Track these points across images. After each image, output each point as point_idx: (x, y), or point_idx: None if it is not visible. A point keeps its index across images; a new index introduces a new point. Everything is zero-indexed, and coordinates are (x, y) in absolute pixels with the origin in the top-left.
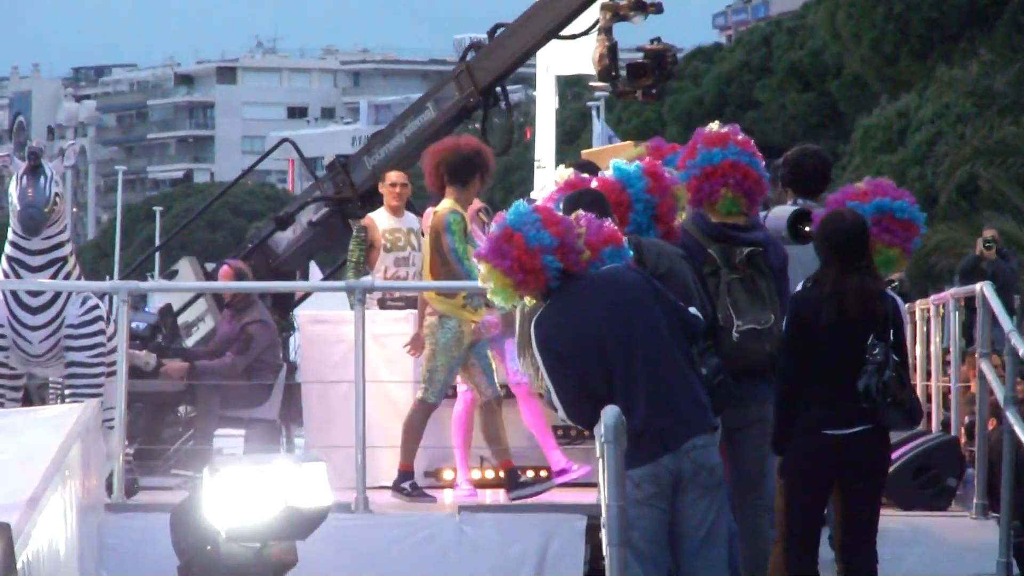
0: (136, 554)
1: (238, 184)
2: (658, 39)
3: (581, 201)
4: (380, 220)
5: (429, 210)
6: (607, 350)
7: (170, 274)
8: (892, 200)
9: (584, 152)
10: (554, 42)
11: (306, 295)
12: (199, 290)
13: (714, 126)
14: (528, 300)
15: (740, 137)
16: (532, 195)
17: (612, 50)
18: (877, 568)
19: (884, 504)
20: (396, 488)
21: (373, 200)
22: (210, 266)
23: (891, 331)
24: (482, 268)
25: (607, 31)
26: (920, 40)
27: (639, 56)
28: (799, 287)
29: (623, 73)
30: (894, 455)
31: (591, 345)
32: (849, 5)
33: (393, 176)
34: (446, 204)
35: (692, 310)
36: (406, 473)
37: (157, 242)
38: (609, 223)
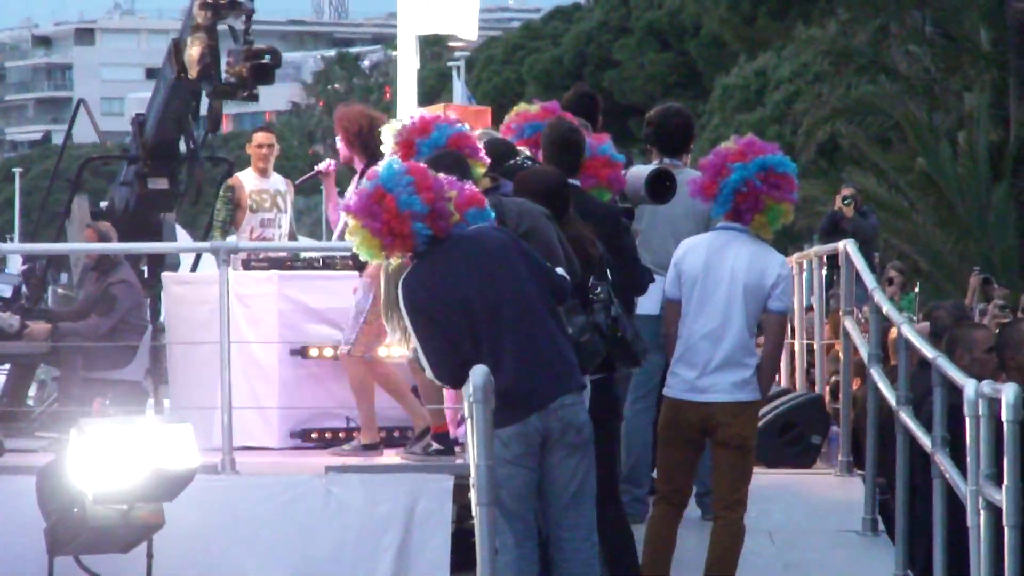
0: (2, 517)
1: (94, 146)
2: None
3: (441, 163)
4: (247, 181)
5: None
6: (474, 309)
7: (66, 211)
8: (771, 155)
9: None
10: (414, 1)
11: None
12: (61, 252)
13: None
14: (394, 260)
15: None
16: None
17: (213, 50)
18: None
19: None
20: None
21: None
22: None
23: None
24: (350, 223)
25: (208, 30)
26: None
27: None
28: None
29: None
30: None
31: (457, 304)
32: None
33: (259, 137)
34: None
35: (559, 270)
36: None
37: (17, 204)
38: (471, 185)
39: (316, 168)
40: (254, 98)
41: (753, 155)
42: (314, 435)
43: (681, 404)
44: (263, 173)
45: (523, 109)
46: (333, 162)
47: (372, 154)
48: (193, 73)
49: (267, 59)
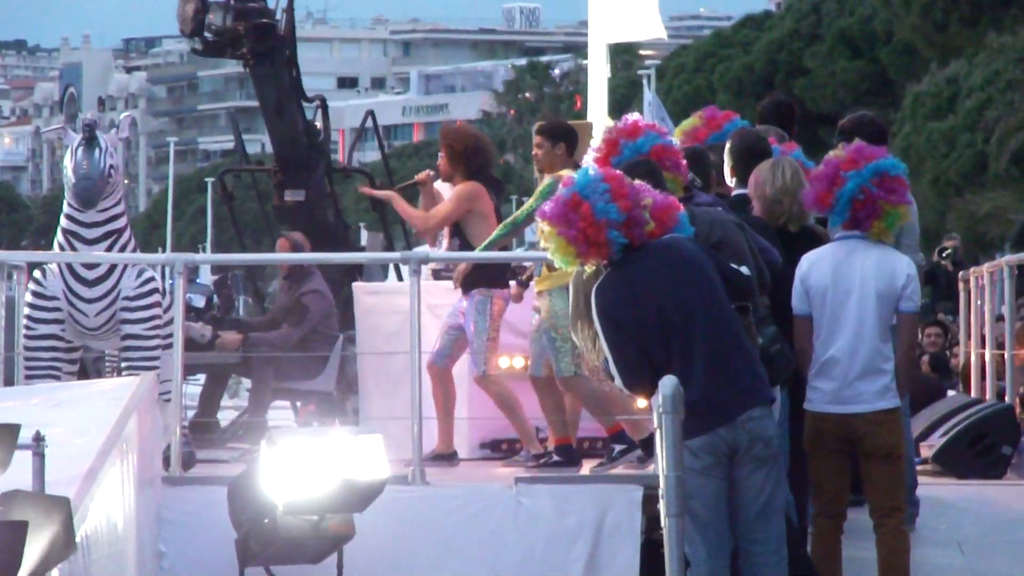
0: (194, 527)
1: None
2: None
3: (637, 170)
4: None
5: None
6: (667, 320)
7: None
8: (883, 160)
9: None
10: (606, 9)
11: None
12: (254, 262)
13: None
14: (588, 267)
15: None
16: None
17: (203, 6)
18: None
19: (939, 472)
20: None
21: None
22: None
23: None
24: (545, 229)
25: None
26: (970, 6)
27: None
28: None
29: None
30: (948, 424)
31: (651, 314)
32: None
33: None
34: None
35: (743, 269)
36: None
37: (209, 214)
38: (667, 194)
39: (415, 177)
40: (246, 59)
41: (865, 161)
42: (504, 446)
43: (824, 417)
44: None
45: (689, 126)
46: (432, 172)
47: (474, 174)
48: (186, 30)
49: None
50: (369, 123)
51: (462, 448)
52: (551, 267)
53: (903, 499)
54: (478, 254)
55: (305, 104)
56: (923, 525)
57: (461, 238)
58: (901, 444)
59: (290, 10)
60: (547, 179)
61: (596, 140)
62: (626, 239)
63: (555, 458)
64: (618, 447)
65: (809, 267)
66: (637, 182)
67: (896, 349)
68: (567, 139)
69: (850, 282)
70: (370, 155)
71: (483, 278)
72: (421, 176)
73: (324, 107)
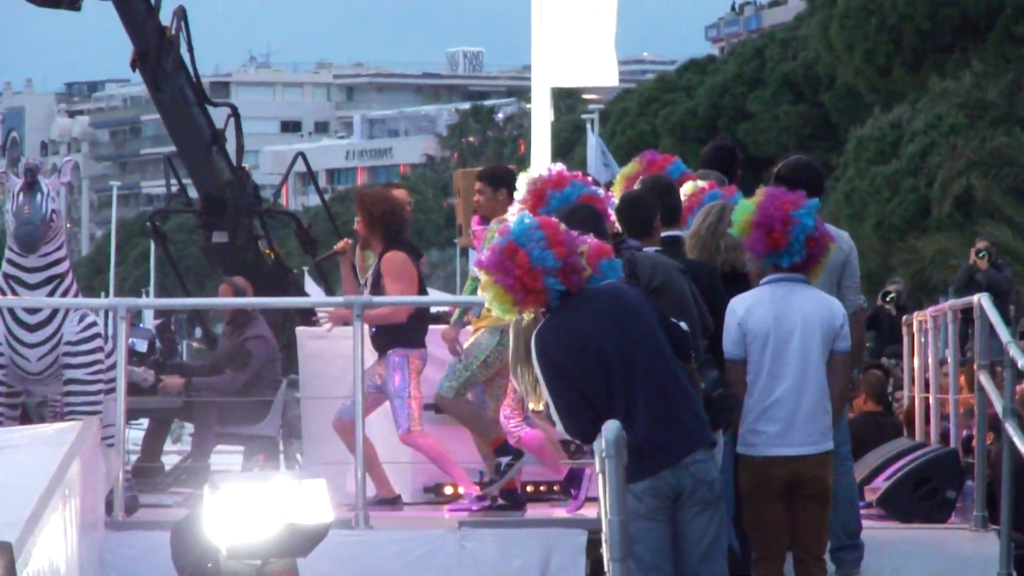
0: (137, 572)
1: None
2: None
3: (576, 216)
4: None
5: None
6: (608, 363)
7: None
8: (811, 200)
9: (461, 171)
10: (549, 53)
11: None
12: (196, 306)
13: None
14: (527, 315)
15: None
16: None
17: None
18: None
19: (884, 516)
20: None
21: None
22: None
23: None
24: (482, 278)
25: None
26: (913, 51)
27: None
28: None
29: None
30: (893, 467)
31: (592, 358)
32: (842, 16)
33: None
34: None
35: (682, 325)
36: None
37: (152, 258)
38: (595, 238)
39: (334, 248)
40: (75, 6)
41: (799, 202)
42: (447, 490)
43: (771, 460)
44: None
45: (630, 172)
46: (350, 240)
47: (391, 238)
48: None
49: None
50: (302, 166)
51: (405, 492)
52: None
53: (827, 542)
54: (421, 299)
55: (212, 108)
56: (868, 568)
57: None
58: (831, 487)
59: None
60: (492, 224)
61: (520, 191)
62: (563, 286)
63: (500, 502)
64: (504, 460)
65: (746, 311)
66: (567, 232)
67: (832, 390)
68: (508, 184)
69: (792, 323)
70: (313, 199)
71: (399, 339)
72: (340, 246)
73: (236, 116)
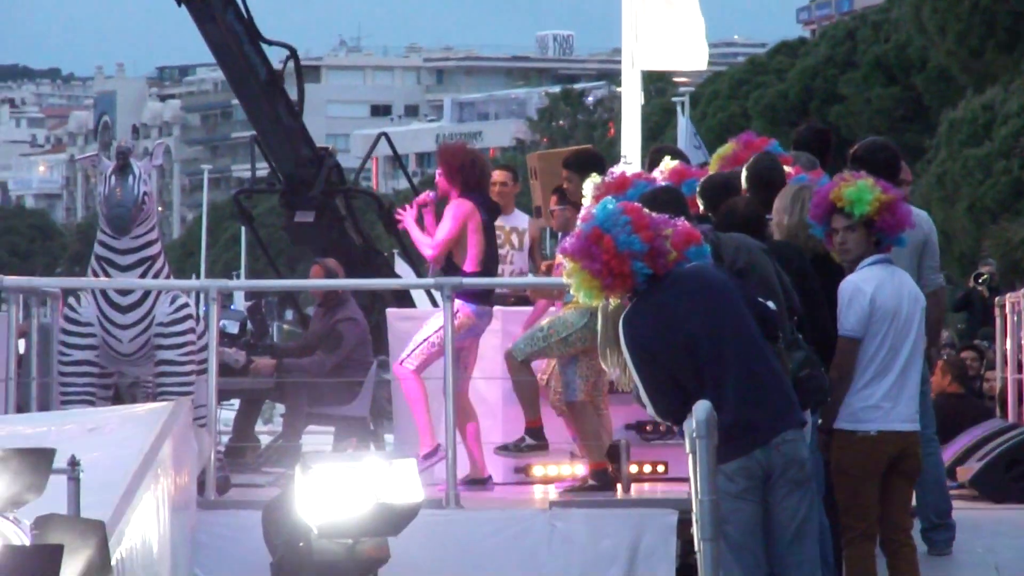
0: (229, 551)
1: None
2: None
3: (659, 199)
4: None
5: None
6: (698, 345)
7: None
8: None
9: (536, 153)
10: (639, 36)
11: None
12: (287, 288)
13: None
14: (613, 300)
15: None
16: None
17: None
18: None
19: (977, 497)
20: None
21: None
22: None
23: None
24: (567, 265)
25: None
26: (1006, 32)
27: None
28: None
29: None
30: (985, 448)
31: (681, 340)
32: None
33: (495, 175)
34: None
35: (770, 305)
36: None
37: (243, 241)
38: (685, 222)
39: (415, 200)
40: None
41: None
42: (536, 471)
43: (884, 436)
44: (503, 211)
45: (727, 152)
46: (432, 193)
47: (471, 190)
48: None
49: None
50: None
51: (496, 473)
52: None
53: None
54: (505, 280)
55: (266, 47)
56: (959, 549)
57: (447, 258)
58: None
59: None
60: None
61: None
62: (650, 269)
63: (591, 482)
64: (528, 440)
65: (875, 289)
66: (654, 213)
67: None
68: (596, 167)
69: (903, 301)
70: (403, 182)
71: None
72: (421, 198)
73: (296, 58)
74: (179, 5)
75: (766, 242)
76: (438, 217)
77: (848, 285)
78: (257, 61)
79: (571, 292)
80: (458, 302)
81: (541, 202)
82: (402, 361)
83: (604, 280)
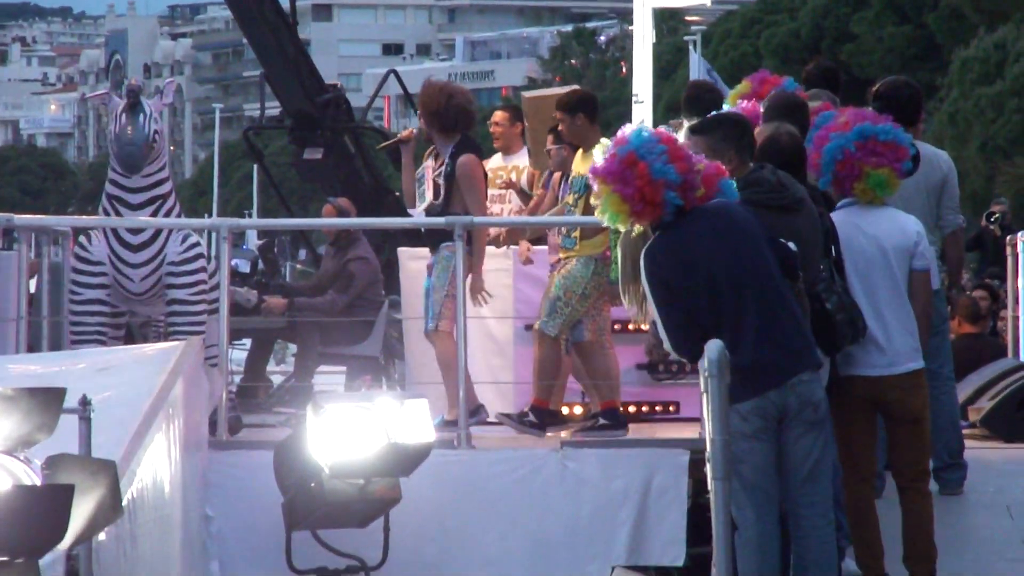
0: (240, 491)
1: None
2: None
3: (702, 97)
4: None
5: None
6: (717, 282)
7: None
8: (873, 124)
9: (526, 94)
10: None
11: None
12: (299, 227)
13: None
14: (637, 228)
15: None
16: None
17: None
18: None
19: (988, 436)
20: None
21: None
22: None
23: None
24: (597, 187)
25: None
26: None
27: None
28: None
29: None
30: (996, 387)
31: (701, 276)
32: None
33: (494, 115)
34: None
35: (791, 245)
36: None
37: (255, 180)
38: (715, 161)
39: (398, 136)
40: None
41: (855, 124)
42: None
43: (850, 380)
44: (503, 151)
45: (742, 91)
46: (414, 129)
47: (449, 130)
48: None
49: None
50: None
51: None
52: (585, 235)
53: (928, 463)
54: (524, 219)
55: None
56: (971, 488)
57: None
58: (927, 407)
59: None
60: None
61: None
62: (681, 201)
63: (602, 421)
64: (531, 417)
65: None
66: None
67: (914, 308)
68: (583, 108)
69: (862, 244)
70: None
71: (448, 234)
72: (405, 134)
73: None
74: None
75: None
76: (417, 155)
77: None
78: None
79: (597, 213)
80: (452, 248)
81: (531, 143)
82: (431, 328)
83: (635, 205)
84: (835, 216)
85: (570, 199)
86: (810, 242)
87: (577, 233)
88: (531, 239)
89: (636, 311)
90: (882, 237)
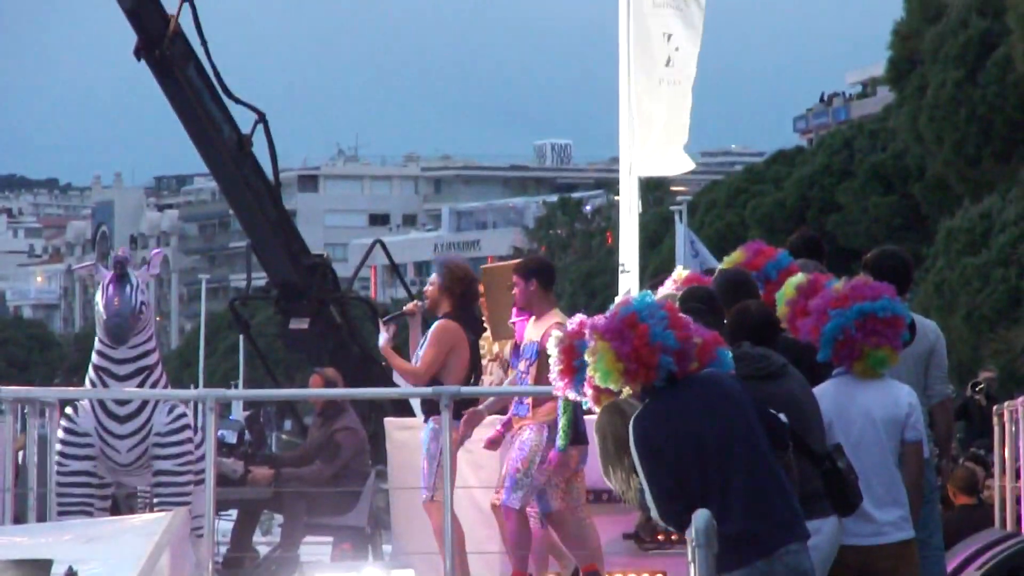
0: None
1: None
2: None
3: (694, 295)
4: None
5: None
6: (706, 449)
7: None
8: (873, 301)
9: (485, 266)
10: (638, 144)
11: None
12: (285, 398)
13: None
14: (626, 390)
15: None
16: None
17: None
18: None
19: None
20: None
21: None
22: None
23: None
24: (594, 343)
25: None
26: (1003, 142)
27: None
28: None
29: None
30: (984, 557)
31: (690, 445)
32: (931, 108)
33: (481, 287)
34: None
35: (781, 417)
36: None
37: (241, 351)
38: (715, 334)
39: (403, 309)
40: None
41: (855, 301)
42: None
43: (841, 550)
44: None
45: (736, 259)
46: (419, 303)
47: (464, 308)
48: None
49: None
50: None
51: None
52: (537, 403)
53: None
54: (504, 389)
55: (232, 104)
56: None
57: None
58: None
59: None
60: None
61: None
62: (675, 368)
63: None
64: None
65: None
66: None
67: (904, 479)
68: (537, 274)
69: (853, 415)
70: (401, 291)
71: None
72: (409, 307)
73: (265, 124)
74: (138, 59)
75: (780, 345)
76: (425, 327)
77: None
78: (220, 118)
79: (588, 370)
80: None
81: (488, 315)
82: (428, 499)
83: (629, 364)
84: (828, 385)
85: (522, 365)
86: (805, 402)
87: (530, 400)
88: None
89: (624, 490)
90: (874, 409)
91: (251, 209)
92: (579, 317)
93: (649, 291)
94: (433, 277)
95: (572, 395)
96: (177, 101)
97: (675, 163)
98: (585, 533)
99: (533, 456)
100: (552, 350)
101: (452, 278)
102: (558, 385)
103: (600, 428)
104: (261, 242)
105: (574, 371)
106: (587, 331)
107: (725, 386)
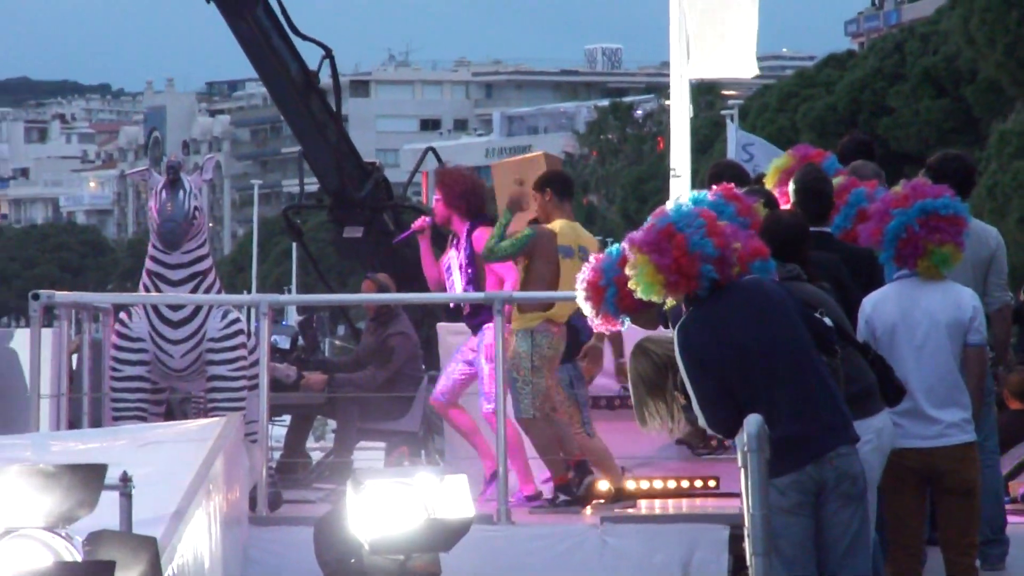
0: (280, 567)
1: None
2: None
3: (724, 174)
4: None
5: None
6: (750, 356)
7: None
8: (934, 199)
9: (494, 164)
10: (688, 48)
11: None
12: (338, 303)
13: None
14: (669, 301)
15: None
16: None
17: None
18: None
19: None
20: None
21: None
22: None
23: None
24: (633, 256)
25: None
26: None
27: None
28: None
29: None
30: None
31: (735, 352)
32: (983, 10)
33: None
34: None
35: (826, 320)
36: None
37: (294, 256)
38: (754, 236)
39: (412, 226)
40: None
41: (916, 199)
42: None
43: (902, 453)
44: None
45: (784, 165)
46: (428, 219)
47: (473, 215)
48: None
49: None
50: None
51: (546, 488)
52: (522, 309)
53: (977, 536)
54: (552, 294)
55: (302, 43)
56: (1012, 564)
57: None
58: (979, 480)
59: None
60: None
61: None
62: (717, 275)
63: (561, 498)
64: (563, 496)
65: (873, 308)
66: (728, 225)
67: (967, 382)
68: (551, 184)
69: (917, 317)
70: None
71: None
72: (418, 224)
73: (331, 59)
74: (207, 1)
75: (837, 251)
76: (435, 243)
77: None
78: (288, 56)
79: (631, 283)
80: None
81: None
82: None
83: (669, 276)
84: (891, 288)
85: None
86: (831, 302)
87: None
88: None
89: (668, 423)
90: (937, 312)
91: (315, 139)
92: (661, 208)
93: (700, 192)
94: (436, 195)
95: (609, 326)
96: (246, 41)
97: (739, 66)
98: (555, 441)
99: (524, 363)
100: (579, 285)
101: (452, 185)
102: (592, 317)
103: (632, 376)
104: (322, 167)
105: (601, 294)
106: (624, 245)
107: (769, 291)
